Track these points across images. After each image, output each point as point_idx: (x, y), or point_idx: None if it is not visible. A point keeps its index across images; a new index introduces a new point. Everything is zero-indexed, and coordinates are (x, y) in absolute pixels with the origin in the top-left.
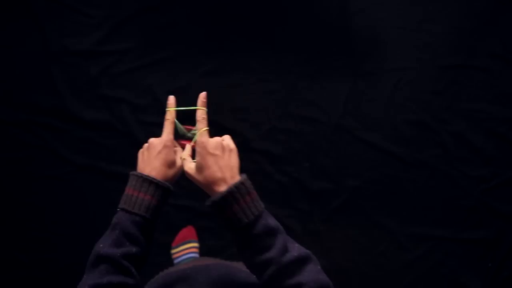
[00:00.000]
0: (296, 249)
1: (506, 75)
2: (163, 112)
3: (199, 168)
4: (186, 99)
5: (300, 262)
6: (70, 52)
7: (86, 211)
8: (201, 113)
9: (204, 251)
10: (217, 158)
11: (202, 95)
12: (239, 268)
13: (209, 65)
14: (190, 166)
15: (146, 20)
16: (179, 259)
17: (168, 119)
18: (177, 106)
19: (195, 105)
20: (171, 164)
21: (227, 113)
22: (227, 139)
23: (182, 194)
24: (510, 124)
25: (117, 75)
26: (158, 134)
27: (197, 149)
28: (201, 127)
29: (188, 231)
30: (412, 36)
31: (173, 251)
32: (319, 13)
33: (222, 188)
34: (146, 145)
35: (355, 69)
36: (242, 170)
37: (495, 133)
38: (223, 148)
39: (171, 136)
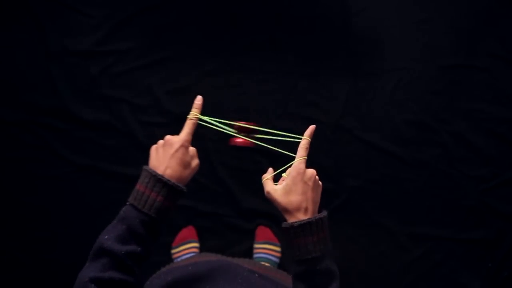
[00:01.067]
0: None
1: (506, 75)
2: (163, 112)
3: (287, 191)
4: (186, 99)
5: None
6: (70, 52)
7: (86, 211)
8: (306, 142)
9: (204, 251)
10: (308, 188)
11: (312, 128)
12: (241, 264)
13: (209, 65)
14: (273, 187)
15: (146, 20)
16: (179, 259)
17: (191, 118)
18: (188, 107)
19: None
20: (187, 164)
21: (227, 113)
22: (315, 174)
23: None
24: (510, 124)
25: (117, 75)
26: (158, 134)
27: (293, 173)
28: (302, 154)
29: (188, 231)
30: (412, 36)
31: (173, 251)
32: (319, 13)
33: (304, 216)
34: (161, 141)
35: (355, 69)
36: (242, 169)
37: (495, 133)
38: (316, 181)
39: (190, 137)
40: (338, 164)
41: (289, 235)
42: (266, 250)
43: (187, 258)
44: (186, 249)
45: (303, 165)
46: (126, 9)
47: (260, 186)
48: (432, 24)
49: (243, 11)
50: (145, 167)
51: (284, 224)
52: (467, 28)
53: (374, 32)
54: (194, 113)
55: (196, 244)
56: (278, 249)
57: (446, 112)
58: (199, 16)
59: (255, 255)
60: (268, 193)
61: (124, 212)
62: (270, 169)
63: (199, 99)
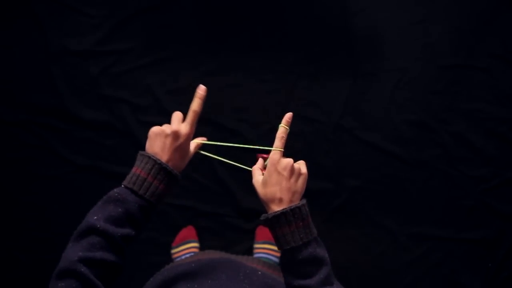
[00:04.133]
0: (336, 285)
1: (506, 75)
2: (163, 112)
3: (264, 183)
4: (186, 99)
5: None
6: (70, 52)
7: (86, 211)
8: (282, 131)
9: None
10: (282, 178)
11: (289, 115)
12: (243, 262)
13: (209, 65)
14: (257, 178)
15: (146, 20)
16: (179, 259)
17: (195, 110)
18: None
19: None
20: (186, 156)
21: (227, 113)
22: (301, 164)
23: (182, 194)
24: (510, 124)
25: (117, 75)
26: None
27: (268, 164)
28: (278, 145)
29: (188, 231)
30: (412, 36)
31: (173, 251)
32: (319, 13)
33: (278, 208)
34: (166, 130)
35: (355, 69)
36: (241, 171)
37: (495, 133)
38: (292, 170)
39: (193, 129)
40: (338, 164)
41: (267, 227)
42: (266, 250)
43: (190, 256)
44: (186, 249)
45: (277, 155)
46: (126, 9)
47: None
48: (432, 24)
49: (243, 11)
50: (145, 153)
51: (261, 217)
52: (467, 28)
53: (374, 32)
54: (199, 102)
55: (196, 244)
56: None
57: (446, 112)
58: (199, 16)
59: (255, 255)
60: (253, 184)
61: (119, 195)
62: (260, 160)
63: (202, 88)
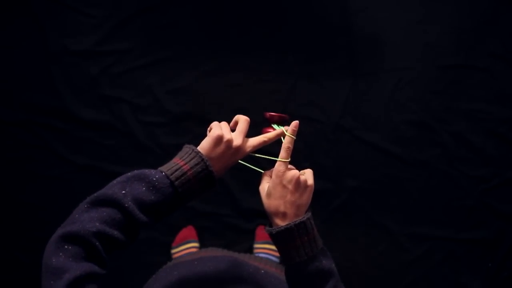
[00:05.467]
0: None
1: (506, 75)
2: (163, 112)
3: (268, 194)
4: (186, 99)
5: None
6: (70, 52)
7: None
8: (288, 141)
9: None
10: (287, 192)
11: (295, 124)
12: (246, 261)
13: (209, 65)
14: (263, 186)
15: (146, 20)
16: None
17: (261, 142)
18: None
19: (196, 105)
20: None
21: (227, 113)
22: (307, 174)
23: None
24: (510, 124)
25: (117, 75)
26: (158, 134)
27: (273, 176)
28: (284, 155)
29: (188, 231)
30: (412, 36)
31: (173, 251)
32: (319, 13)
33: (282, 222)
34: (233, 142)
35: (355, 69)
36: (242, 169)
37: (495, 133)
38: (297, 183)
39: (249, 152)
40: (338, 164)
41: (272, 240)
42: (266, 250)
43: (193, 253)
44: (186, 249)
45: (282, 167)
46: (126, 9)
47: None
48: (432, 24)
49: (243, 11)
50: (200, 153)
51: (266, 230)
52: (467, 28)
53: (374, 32)
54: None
55: (196, 244)
56: None
57: (446, 112)
58: (199, 16)
59: (255, 255)
60: (259, 190)
61: (158, 182)
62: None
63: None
